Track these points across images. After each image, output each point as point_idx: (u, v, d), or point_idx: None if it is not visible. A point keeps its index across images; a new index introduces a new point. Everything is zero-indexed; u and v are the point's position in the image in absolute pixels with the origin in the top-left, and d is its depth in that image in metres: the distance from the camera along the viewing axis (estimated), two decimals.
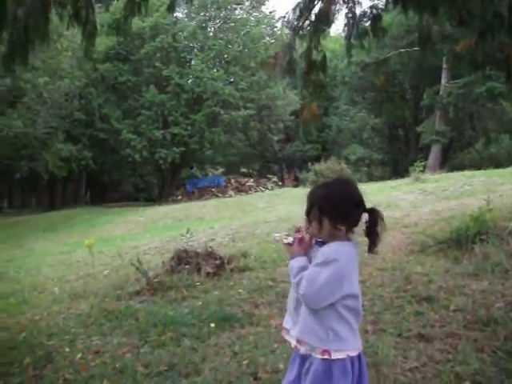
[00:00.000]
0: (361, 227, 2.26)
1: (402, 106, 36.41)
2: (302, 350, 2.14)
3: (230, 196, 35.45)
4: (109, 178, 43.53)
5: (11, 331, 5.06)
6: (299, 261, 2.17)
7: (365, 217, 2.20)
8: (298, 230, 2.26)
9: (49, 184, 39.08)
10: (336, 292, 2.06)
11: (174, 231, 15.34)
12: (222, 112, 34.23)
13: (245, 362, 3.68)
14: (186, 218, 20.31)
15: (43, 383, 3.70)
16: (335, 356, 2.07)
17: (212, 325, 4.55)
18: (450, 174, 19.14)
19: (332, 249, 2.09)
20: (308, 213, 2.19)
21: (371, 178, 33.65)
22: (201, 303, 5.50)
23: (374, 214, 2.20)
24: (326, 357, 2.07)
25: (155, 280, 6.15)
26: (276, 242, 2.30)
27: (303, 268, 2.11)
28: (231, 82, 35.92)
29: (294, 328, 2.19)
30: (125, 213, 26.49)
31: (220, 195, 36.78)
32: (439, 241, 7.38)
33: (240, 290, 5.88)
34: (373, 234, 2.20)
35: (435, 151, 31.16)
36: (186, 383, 3.39)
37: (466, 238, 6.88)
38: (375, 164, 42.49)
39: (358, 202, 2.19)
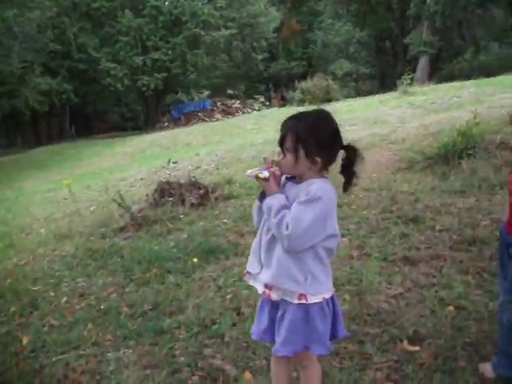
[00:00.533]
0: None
1: (386, 17, 35.25)
2: (274, 296, 2.02)
3: (217, 119, 34.99)
4: (93, 110, 42.81)
5: None
6: (279, 198, 1.98)
7: (341, 154, 2.02)
8: (268, 165, 2.05)
9: (32, 121, 38.46)
10: (321, 232, 1.93)
11: (162, 160, 15.15)
12: (202, 33, 33.14)
13: (228, 297, 3.65)
14: (173, 145, 20.08)
15: (29, 331, 3.65)
16: (312, 300, 1.97)
17: (195, 260, 4.49)
18: (439, 86, 18.79)
19: (316, 186, 1.93)
20: (281, 143, 2.00)
21: (359, 93, 33.15)
22: (186, 235, 5.45)
23: (352, 151, 2.01)
24: (302, 301, 1.97)
25: (139, 215, 6.07)
26: (250, 178, 2.10)
27: (284, 206, 1.95)
28: (210, 1, 34.54)
29: (265, 272, 2.05)
30: (112, 144, 26.19)
31: (207, 119, 36.29)
32: (427, 156, 7.28)
33: (225, 220, 5.82)
34: (349, 172, 2.02)
35: (423, 63, 30.50)
36: (169, 322, 3.36)
37: (453, 154, 6.78)
38: (362, 78, 41.76)
39: (335, 136, 2.01)
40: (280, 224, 1.91)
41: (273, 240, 2.02)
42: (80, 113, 41.89)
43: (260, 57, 40.10)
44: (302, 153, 1.95)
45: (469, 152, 6.78)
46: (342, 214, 5.27)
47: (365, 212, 5.33)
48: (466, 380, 2.44)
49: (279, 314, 2.04)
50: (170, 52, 32.81)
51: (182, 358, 2.85)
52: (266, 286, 2.04)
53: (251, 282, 2.15)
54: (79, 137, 38.49)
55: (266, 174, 2.01)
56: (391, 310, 3.18)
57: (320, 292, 1.99)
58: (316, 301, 1.98)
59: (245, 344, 2.93)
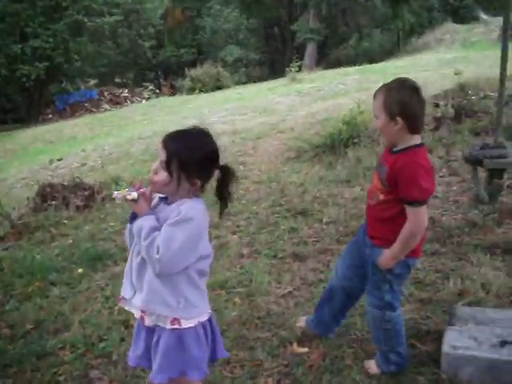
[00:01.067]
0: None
1: (273, 6, 35.68)
2: (148, 321, 1.95)
3: (105, 110, 33.85)
4: None
5: None
6: (149, 220, 1.89)
7: (216, 174, 1.97)
8: (137, 186, 1.98)
9: None
10: (192, 254, 1.87)
11: (46, 155, 14.38)
12: (85, 20, 31.72)
13: (117, 308, 3.49)
14: (58, 140, 19.15)
15: None
16: (186, 324, 1.91)
17: (80, 270, 4.28)
18: (326, 73, 19.37)
19: (187, 206, 1.86)
20: (168, 165, 1.89)
21: (250, 79, 33.41)
22: (71, 241, 5.20)
23: (226, 172, 1.97)
24: (175, 326, 1.91)
25: (19, 222, 5.68)
26: (118, 201, 2.00)
27: (154, 228, 1.86)
28: None
29: (137, 297, 1.96)
30: None
31: (94, 110, 35.00)
32: (315, 145, 7.46)
33: (112, 223, 5.61)
34: (224, 194, 1.98)
35: (310, 49, 31.31)
36: (53, 343, 3.15)
37: (339, 143, 7.00)
38: (253, 64, 42.09)
39: (214, 156, 1.96)
40: (150, 247, 1.82)
41: (143, 263, 1.93)
42: None
43: (147, 44, 39.13)
44: (182, 175, 1.89)
45: (354, 141, 7.04)
46: (233, 209, 5.27)
47: (254, 207, 5.37)
48: (353, 379, 2.51)
49: (154, 339, 1.96)
50: (51, 39, 31.10)
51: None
52: (142, 310, 1.96)
53: (127, 308, 2.05)
54: None
55: (134, 195, 1.93)
56: (280, 311, 3.20)
57: (194, 316, 1.94)
58: (190, 325, 1.92)
59: None
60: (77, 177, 6.53)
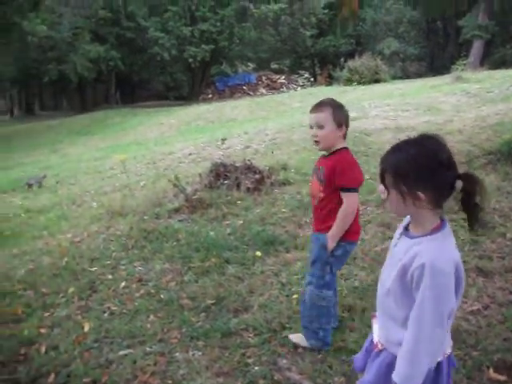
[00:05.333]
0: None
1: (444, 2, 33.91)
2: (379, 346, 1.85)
3: (262, 94, 34.78)
4: (138, 78, 43.00)
5: (53, 255, 4.99)
6: None
7: (458, 185, 1.66)
8: None
9: (79, 86, 38.80)
10: (444, 321, 1.63)
11: (207, 134, 15.09)
12: (251, 6, 32.66)
13: (294, 297, 3.51)
14: (218, 120, 19.97)
15: (89, 316, 3.61)
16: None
17: (258, 253, 4.36)
18: (494, 73, 18.03)
19: (426, 251, 1.61)
20: (382, 179, 1.73)
21: (406, 74, 32.24)
22: (242, 222, 5.32)
23: (470, 181, 1.66)
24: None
25: (194, 197, 5.96)
26: None
27: None
28: None
29: (379, 328, 1.88)
30: (156, 114, 26.25)
31: (251, 93, 36.13)
32: (487, 152, 6.93)
33: (282, 208, 5.67)
34: (471, 206, 1.68)
35: (477, 47, 29.36)
36: (236, 322, 3.24)
37: None
38: (410, 59, 40.54)
39: (445, 163, 1.65)
40: None
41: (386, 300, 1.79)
42: (125, 80, 42.15)
43: (308, 33, 39.30)
44: (403, 188, 1.67)
45: None
46: None
47: None
48: None
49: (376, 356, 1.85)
50: (218, 24, 32.53)
51: (256, 368, 2.74)
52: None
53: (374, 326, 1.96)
54: (123, 103, 38.82)
55: None
56: (472, 329, 2.99)
57: None
58: None
59: (320, 356, 2.80)
60: (248, 160, 6.70)
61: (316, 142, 2.85)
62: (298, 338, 3.02)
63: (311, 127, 2.88)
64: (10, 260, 5.21)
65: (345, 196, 2.79)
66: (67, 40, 28.13)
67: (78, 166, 13.65)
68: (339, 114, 2.84)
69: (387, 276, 1.77)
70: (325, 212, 2.89)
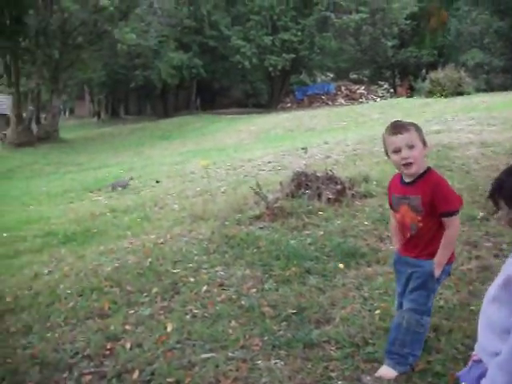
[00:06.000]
0: None
1: None
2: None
3: (340, 104, 34.54)
4: (219, 85, 43.89)
5: (138, 255, 5.16)
6: None
7: None
8: None
9: (162, 92, 40.17)
10: None
11: (286, 142, 15.16)
12: (332, 16, 32.61)
13: (377, 313, 3.43)
14: (297, 128, 20.03)
15: (172, 317, 3.70)
16: None
17: (341, 266, 4.30)
18: None
19: None
20: (493, 196, 1.74)
21: (491, 87, 30.96)
22: (322, 233, 5.28)
23: None
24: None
25: (275, 205, 5.98)
26: None
27: None
28: None
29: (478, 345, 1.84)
30: (235, 121, 26.68)
31: (330, 103, 35.98)
32: None
33: (363, 220, 5.58)
34: None
35: None
36: (318, 334, 3.21)
37: None
38: (496, 71, 38.86)
39: None
40: None
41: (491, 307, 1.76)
42: (206, 87, 43.15)
43: (390, 43, 38.65)
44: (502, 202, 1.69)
45: None
46: (493, 229, 4.89)
47: None
48: None
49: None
50: (299, 33, 32.71)
51: (340, 383, 2.70)
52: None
53: None
54: (203, 110, 39.75)
55: None
56: None
57: None
58: None
59: (404, 377, 2.72)
60: (330, 170, 6.65)
61: (408, 164, 2.68)
62: (384, 371, 2.81)
63: (397, 151, 2.70)
64: (97, 257, 5.44)
65: (449, 221, 2.70)
66: (153, 48, 29.19)
67: (160, 168, 14.09)
68: (421, 133, 2.76)
69: (494, 284, 1.77)
70: (425, 239, 2.78)
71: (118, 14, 25.07)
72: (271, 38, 32.50)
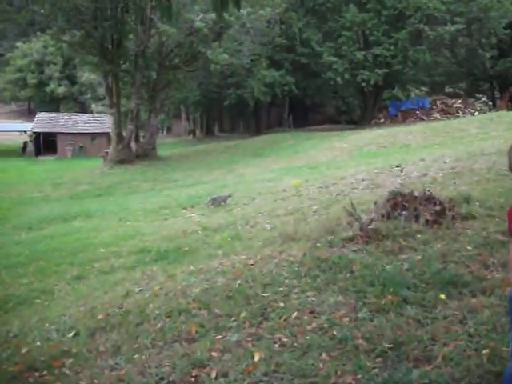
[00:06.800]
0: None
1: None
2: None
3: (436, 119, 33.35)
4: (311, 102, 43.86)
5: (227, 276, 5.08)
6: None
7: None
8: None
9: (254, 109, 40.72)
10: None
11: (380, 159, 14.71)
12: (426, 28, 31.59)
13: (485, 353, 3.09)
14: (391, 145, 19.44)
15: (260, 345, 3.55)
16: None
17: (442, 296, 3.97)
18: None
19: None
20: None
21: None
22: (420, 257, 4.94)
23: None
24: None
25: (369, 226, 5.70)
26: None
27: None
28: None
29: None
30: (328, 138, 26.41)
31: (425, 118, 34.83)
32: None
33: (465, 244, 5.17)
34: None
35: None
36: (418, 374, 2.93)
37: None
38: None
39: None
40: None
41: None
42: (298, 104, 43.26)
43: (488, 54, 36.75)
44: None
45: None
46: None
47: None
48: None
49: None
50: (391, 47, 32.02)
51: None
52: None
53: None
54: (295, 127, 39.85)
55: None
56: None
57: None
58: None
59: None
60: (428, 190, 6.28)
61: None
62: None
63: None
64: (187, 277, 5.42)
65: None
66: (246, 66, 29.66)
67: (252, 186, 14.13)
68: None
69: None
70: None
71: (212, 35, 25.70)
72: (363, 53, 32.01)
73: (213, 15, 21.59)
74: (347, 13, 32.10)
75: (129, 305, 4.83)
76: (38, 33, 40.27)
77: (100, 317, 4.67)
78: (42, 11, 24.03)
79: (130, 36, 26.64)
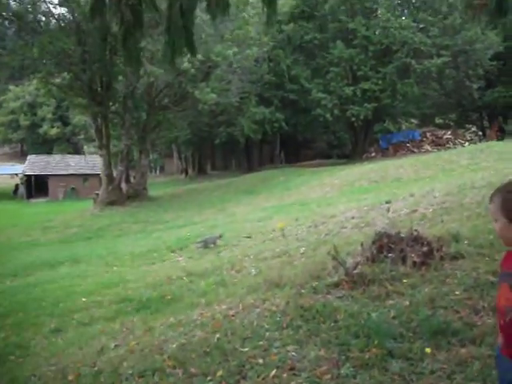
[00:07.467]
0: None
1: None
2: None
3: (427, 151, 33.50)
4: (302, 137, 44.11)
5: (206, 329, 4.84)
6: None
7: None
8: None
9: (246, 147, 40.87)
10: None
11: (371, 195, 14.60)
12: (413, 62, 32.06)
13: None
14: (382, 180, 19.37)
15: None
16: None
17: (427, 350, 3.74)
18: None
19: None
20: None
21: None
22: (408, 303, 4.72)
23: None
24: None
25: (355, 271, 5.49)
26: None
27: None
28: (421, 29, 33.29)
29: None
30: (319, 174, 26.39)
31: (415, 150, 35.03)
32: None
33: (454, 287, 4.96)
34: None
35: None
36: None
37: None
38: None
39: None
40: None
41: None
42: (289, 140, 43.47)
43: (475, 85, 37.18)
44: None
45: None
46: None
47: None
48: None
49: None
50: (379, 82, 32.38)
51: None
52: None
53: None
54: (287, 163, 39.94)
55: None
56: None
57: None
58: None
59: None
60: (415, 230, 6.09)
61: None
62: None
63: None
64: (165, 330, 5.18)
65: None
66: (235, 104, 29.82)
67: (243, 226, 13.96)
68: (509, 204, 2.22)
69: None
70: None
71: (200, 75, 25.87)
72: (352, 88, 32.30)
73: (199, 55, 21.76)
74: (334, 49, 32.54)
75: (102, 363, 4.57)
76: (32, 75, 40.60)
77: (70, 377, 4.40)
78: (30, 55, 24.16)
79: (120, 77, 26.81)
